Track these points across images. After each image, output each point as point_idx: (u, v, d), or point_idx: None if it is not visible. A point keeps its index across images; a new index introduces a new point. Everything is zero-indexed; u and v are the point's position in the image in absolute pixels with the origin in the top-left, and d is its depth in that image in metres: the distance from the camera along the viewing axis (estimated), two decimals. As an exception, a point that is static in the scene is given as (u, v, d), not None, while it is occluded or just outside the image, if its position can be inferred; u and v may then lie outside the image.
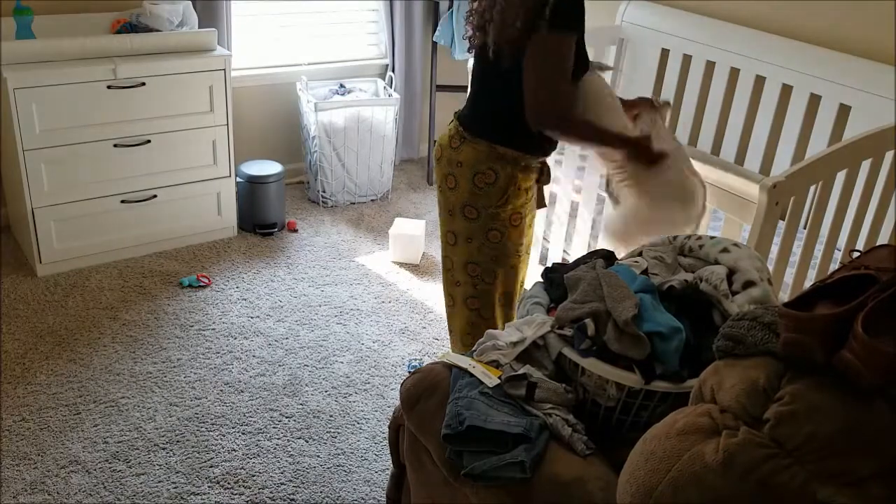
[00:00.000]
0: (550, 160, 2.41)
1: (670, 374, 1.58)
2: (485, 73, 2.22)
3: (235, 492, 2.35)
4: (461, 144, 2.23)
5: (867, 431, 1.17)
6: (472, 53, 2.26)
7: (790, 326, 1.25)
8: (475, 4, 2.19)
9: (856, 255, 1.38)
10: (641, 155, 2.22)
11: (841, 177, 2.42)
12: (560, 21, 1.99)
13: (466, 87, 3.57)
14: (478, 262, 2.32)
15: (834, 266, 2.76)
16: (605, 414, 1.67)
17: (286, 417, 2.65)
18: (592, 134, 2.19)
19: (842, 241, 2.81)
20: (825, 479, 1.17)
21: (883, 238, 2.67)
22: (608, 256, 1.95)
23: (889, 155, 2.55)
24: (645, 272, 1.82)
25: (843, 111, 3.03)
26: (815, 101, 3.13)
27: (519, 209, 2.27)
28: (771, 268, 2.57)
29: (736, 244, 1.86)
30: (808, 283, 2.77)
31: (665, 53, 3.68)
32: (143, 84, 3.26)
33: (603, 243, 2.50)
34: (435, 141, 2.33)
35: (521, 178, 2.23)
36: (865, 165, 2.48)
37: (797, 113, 3.20)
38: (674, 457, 1.25)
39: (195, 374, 2.82)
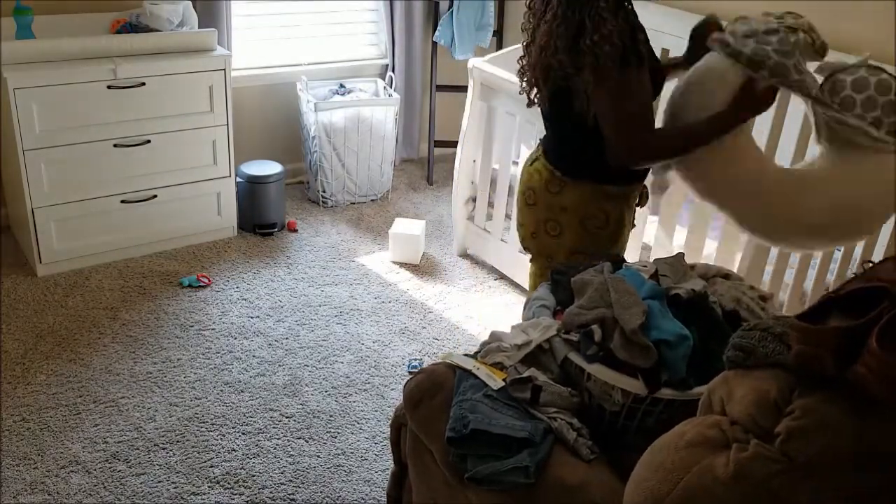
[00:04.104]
0: None
1: (676, 381, 1.58)
2: (559, 114, 2.08)
3: (235, 492, 2.35)
4: (562, 189, 2.09)
5: (879, 447, 1.16)
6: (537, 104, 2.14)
7: (802, 339, 1.23)
8: (523, 62, 2.10)
9: (868, 265, 1.37)
10: (757, 100, 1.94)
11: (841, 177, 2.42)
12: (610, 66, 1.88)
13: (466, 87, 3.60)
14: None
15: (834, 266, 2.76)
16: (610, 419, 1.66)
17: (286, 417, 2.65)
18: (691, 137, 1.97)
19: (842, 241, 2.81)
20: (836, 494, 1.16)
21: (882, 239, 2.67)
22: (616, 260, 1.95)
23: (889, 155, 2.54)
24: (653, 276, 1.81)
25: (844, 112, 3.03)
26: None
27: (624, 244, 2.21)
28: (771, 268, 2.58)
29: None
30: (808, 284, 2.77)
31: (665, 53, 3.68)
32: (143, 84, 3.26)
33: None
34: (530, 188, 2.18)
35: (628, 212, 2.15)
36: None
37: (797, 113, 3.19)
38: (683, 469, 1.24)
39: (195, 374, 2.82)
